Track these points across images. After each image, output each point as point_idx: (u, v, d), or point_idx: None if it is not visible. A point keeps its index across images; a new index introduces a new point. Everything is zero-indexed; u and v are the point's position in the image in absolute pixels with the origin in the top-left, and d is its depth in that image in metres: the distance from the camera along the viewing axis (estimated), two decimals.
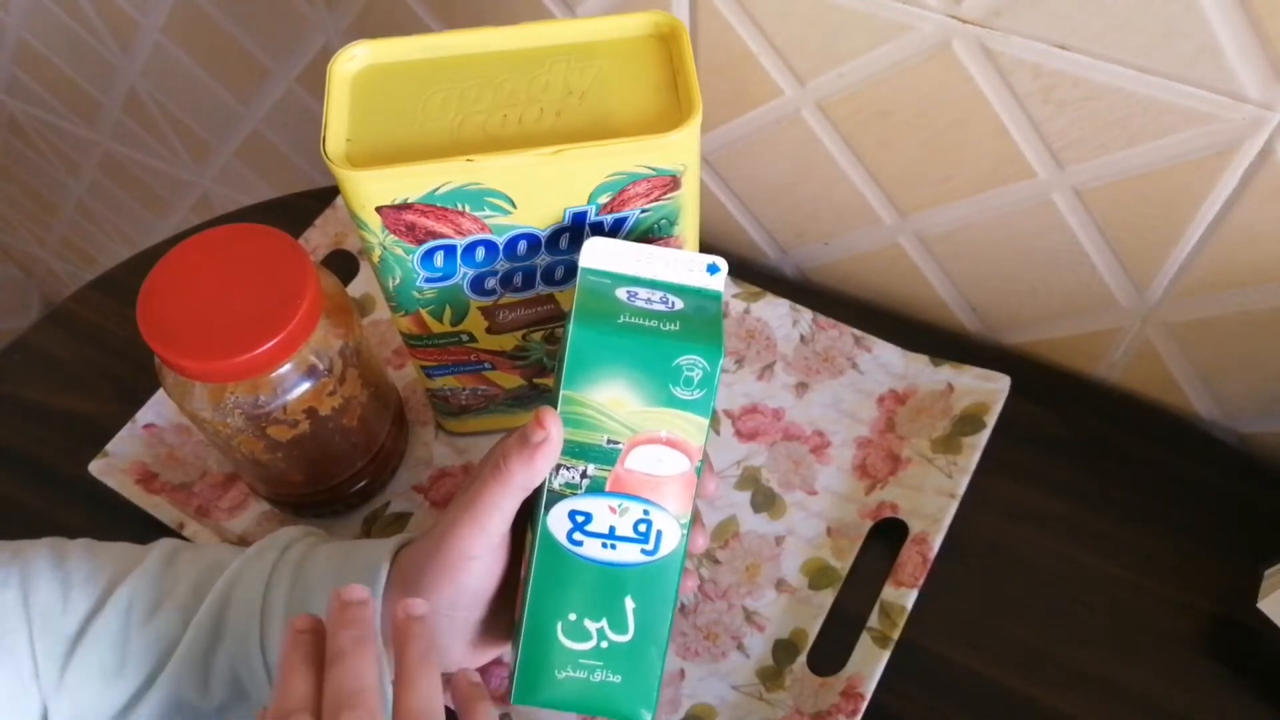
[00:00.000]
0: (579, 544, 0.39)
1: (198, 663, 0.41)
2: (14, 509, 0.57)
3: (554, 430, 0.37)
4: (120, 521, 0.54)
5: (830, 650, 0.49)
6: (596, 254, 0.40)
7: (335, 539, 0.45)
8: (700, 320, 0.39)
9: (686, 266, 0.41)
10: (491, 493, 0.38)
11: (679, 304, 0.39)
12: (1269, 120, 0.43)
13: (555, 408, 0.38)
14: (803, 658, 0.50)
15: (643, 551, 0.39)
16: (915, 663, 0.49)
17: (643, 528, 0.39)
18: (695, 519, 0.41)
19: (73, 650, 0.41)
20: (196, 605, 0.42)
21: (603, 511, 0.38)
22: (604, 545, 0.39)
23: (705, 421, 0.38)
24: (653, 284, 0.40)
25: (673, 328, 0.38)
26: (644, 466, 0.38)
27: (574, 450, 0.38)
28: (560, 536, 0.39)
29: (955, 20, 0.46)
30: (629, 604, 0.39)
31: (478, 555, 0.39)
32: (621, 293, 0.39)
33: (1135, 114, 0.45)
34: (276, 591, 0.41)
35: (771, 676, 0.49)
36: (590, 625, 0.39)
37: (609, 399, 0.38)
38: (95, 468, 0.55)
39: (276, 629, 0.41)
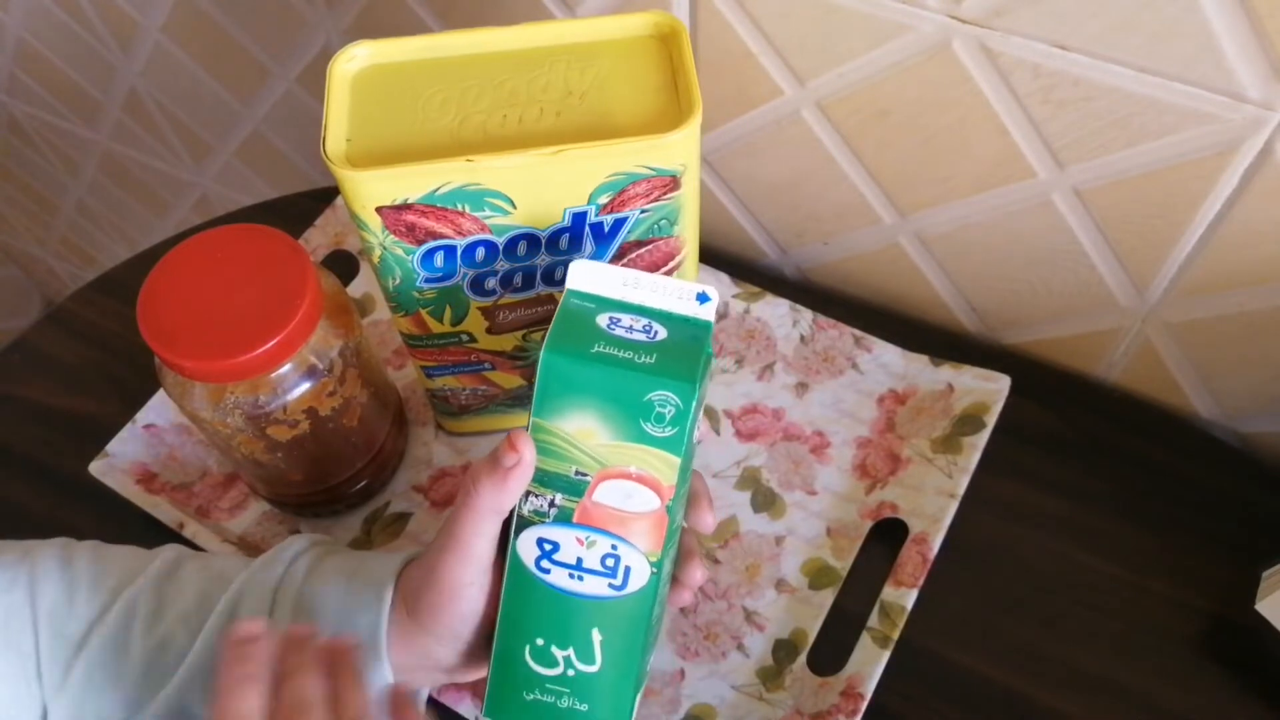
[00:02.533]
0: (547, 571, 0.38)
1: (205, 677, 0.41)
2: (14, 509, 0.57)
3: (526, 453, 0.37)
4: (121, 522, 0.54)
5: (830, 650, 0.49)
6: (583, 276, 0.39)
7: (342, 549, 0.45)
8: (681, 353, 0.37)
9: (676, 294, 0.38)
10: (467, 520, 0.38)
11: (661, 333, 0.37)
12: (1269, 120, 0.43)
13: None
14: (803, 658, 0.50)
15: (610, 586, 0.38)
16: (915, 663, 0.49)
17: (610, 562, 0.38)
18: (701, 499, 0.41)
19: (77, 653, 0.41)
20: (201, 617, 0.41)
21: (570, 542, 0.38)
22: (571, 575, 0.38)
23: (678, 460, 0.36)
24: (639, 310, 0.38)
25: (648, 360, 0.36)
26: (612, 501, 0.37)
27: (542, 479, 0.37)
28: (529, 562, 0.38)
29: (955, 20, 0.46)
30: (596, 636, 0.38)
31: (470, 582, 0.38)
32: (603, 319, 0.38)
33: (1135, 114, 0.45)
34: (282, 609, 0.41)
35: (771, 676, 0.49)
36: (557, 653, 0.38)
37: (578, 429, 0.37)
38: (95, 468, 0.55)
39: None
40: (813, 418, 0.57)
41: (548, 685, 0.39)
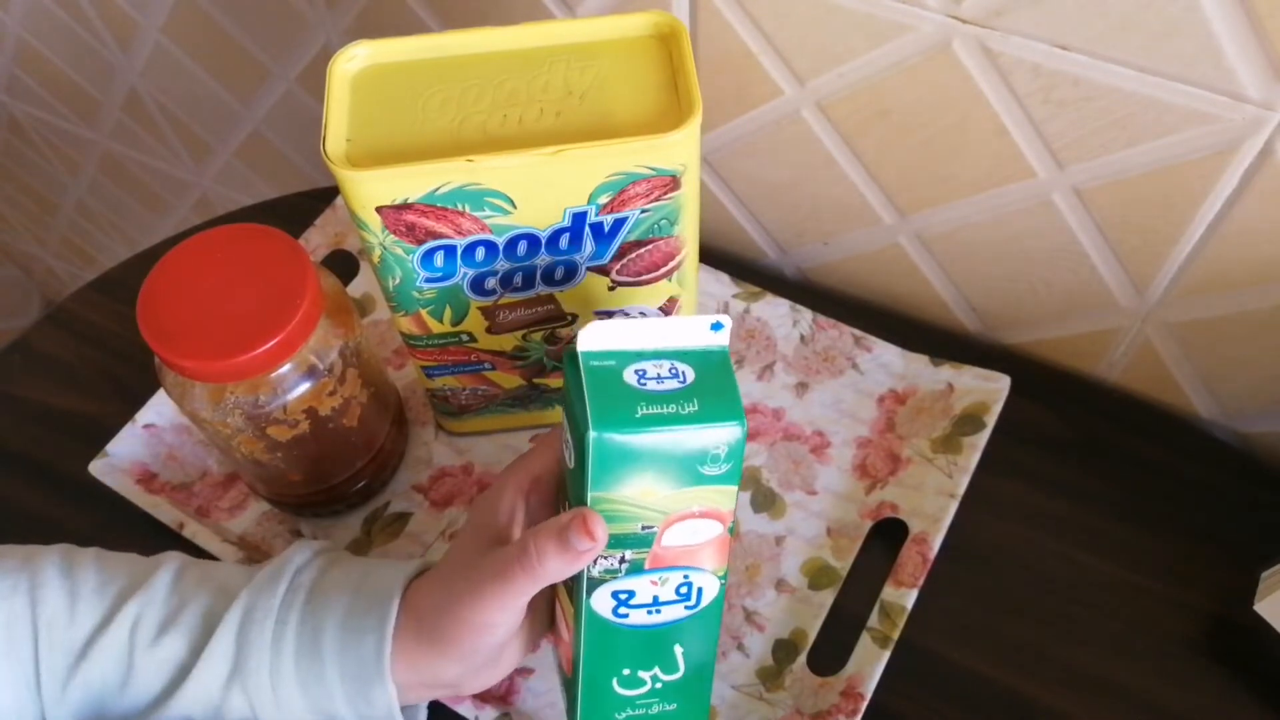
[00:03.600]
0: (624, 616, 0.39)
1: (212, 694, 0.40)
2: (14, 509, 0.57)
3: (600, 535, 0.36)
4: (120, 522, 0.54)
5: (830, 650, 0.49)
6: (594, 337, 0.37)
7: (345, 557, 0.44)
8: (717, 390, 0.36)
9: (689, 330, 0.38)
10: (520, 583, 0.37)
11: (689, 374, 0.37)
12: (1269, 120, 0.43)
13: (583, 501, 0.36)
14: (803, 658, 0.50)
15: (686, 608, 0.39)
16: (915, 663, 0.49)
17: (684, 589, 0.38)
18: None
19: (77, 664, 0.40)
20: (205, 633, 0.41)
21: (644, 586, 0.38)
22: (649, 612, 0.39)
23: (735, 489, 0.37)
24: (658, 355, 0.37)
25: (692, 409, 0.36)
26: (680, 541, 0.37)
27: (610, 542, 0.37)
28: (605, 614, 0.38)
29: (955, 20, 0.46)
30: (678, 649, 0.40)
31: (502, 623, 0.39)
32: (630, 375, 0.36)
33: (1135, 114, 0.45)
34: (287, 628, 0.41)
35: (771, 676, 0.49)
36: (644, 674, 0.40)
37: (639, 491, 0.36)
38: (95, 468, 0.55)
39: (287, 667, 0.40)
40: (813, 418, 0.57)
41: (637, 702, 0.40)
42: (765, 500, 0.54)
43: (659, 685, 0.40)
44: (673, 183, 0.42)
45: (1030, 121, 0.48)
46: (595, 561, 0.37)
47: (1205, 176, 0.46)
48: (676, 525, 0.37)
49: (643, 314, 0.41)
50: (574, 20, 0.44)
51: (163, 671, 0.41)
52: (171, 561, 0.44)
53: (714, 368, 0.37)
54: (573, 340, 0.37)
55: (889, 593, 0.50)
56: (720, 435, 0.36)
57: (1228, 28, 0.40)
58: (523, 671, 0.50)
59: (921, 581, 0.50)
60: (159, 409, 0.57)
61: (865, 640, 0.49)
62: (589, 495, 0.36)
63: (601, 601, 0.38)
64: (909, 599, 0.49)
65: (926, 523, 0.52)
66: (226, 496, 0.56)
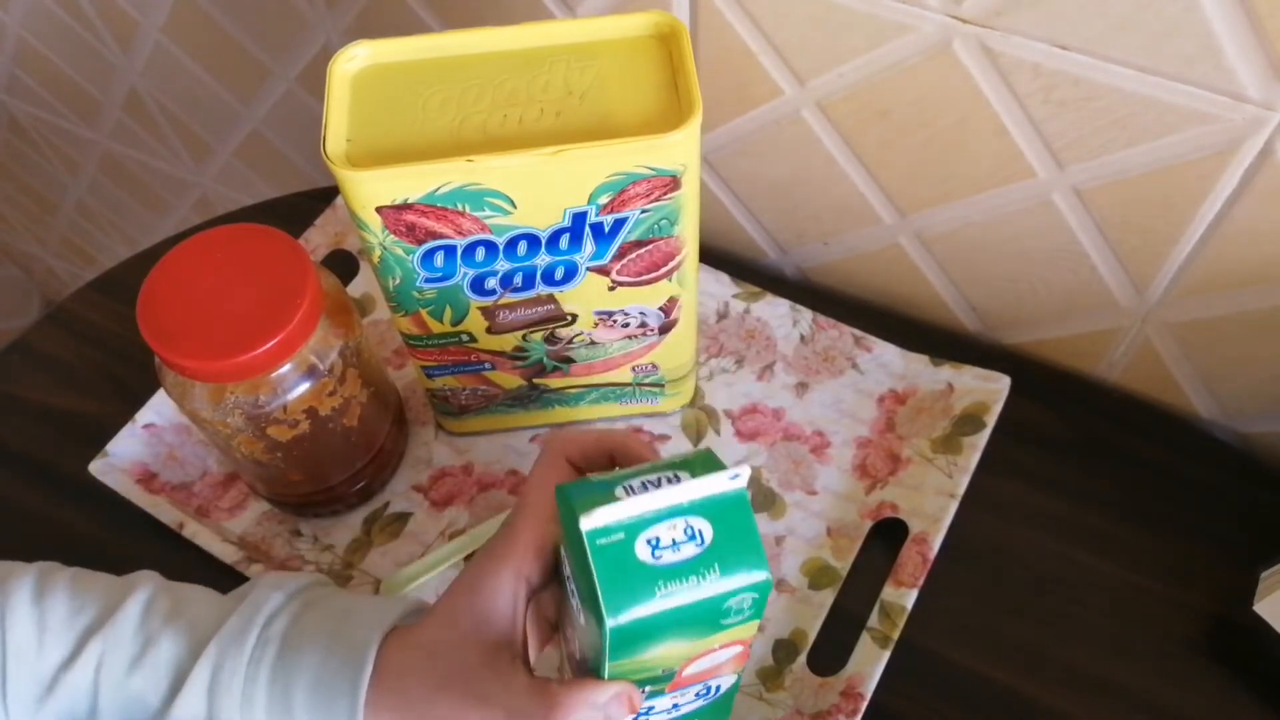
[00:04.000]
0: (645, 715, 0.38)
1: None
2: (14, 509, 0.57)
3: (639, 706, 0.35)
4: (120, 522, 0.54)
5: (830, 650, 0.49)
6: (599, 517, 0.33)
7: (319, 599, 0.41)
8: (737, 544, 0.33)
9: (710, 488, 0.34)
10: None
11: (707, 533, 0.33)
12: (1269, 120, 0.42)
13: (600, 668, 0.34)
14: (803, 658, 0.50)
15: (703, 699, 0.39)
16: (915, 663, 0.49)
17: (703, 692, 0.38)
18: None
19: (45, 696, 0.40)
20: (173, 684, 0.39)
21: (664, 702, 0.37)
22: (670, 715, 0.39)
23: (757, 623, 0.35)
24: (671, 513, 0.33)
25: (714, 575, 0.33)
26: (701, 668, 0.36)
27: (632, 680, 0.35)
28: None
29: (955, 20, 0.46)
30: None
31: None
32: (643, 549, 0.33)
33: (1135, 114, 0.45)
34: (256, 687, 0.38)
35: (771, 676, 0.49)
36: None
37: (660, 655, 0.34)
38: (95, 468, 0.55)
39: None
40: (813, 417, 0.57)
41: None
42: (765, 500, 0.54)
43: None
44: (673, 183, 0.42)
45: (1030, 121, 0.48)
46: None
47: (1205, 176, 0.46)
48: (698, 660, 0.36)
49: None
50: (574, 20, 0.44)
51: (128, 713, 0.40)
52: (141, 591, 0.41)
53: (732, 517, 0.34)
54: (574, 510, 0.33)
55: (889, 593, 0.50)
56: (746, 592, 0.33)
57: (1228, 28, 0.40)
58: None
59: (921, 581, 0.50)
60: (159, 409, 0.57)
61: (865, 640, 0.49)
62: (606, 668, 0.34)
63: None
64: (909, 599, 0.49)
65: (926, 523, 0.52)
66: (226, 496, 0.56)
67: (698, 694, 0.38)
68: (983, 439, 0.54)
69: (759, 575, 0.33)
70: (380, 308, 0.63)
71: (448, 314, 0.47)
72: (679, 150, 0.41)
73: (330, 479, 0.52)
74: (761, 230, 0.64)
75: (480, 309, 0.47)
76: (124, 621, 0.40)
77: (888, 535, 0.52)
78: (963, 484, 0.52)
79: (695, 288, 0.50)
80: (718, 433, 0.56)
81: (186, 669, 0.39)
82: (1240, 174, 0.45)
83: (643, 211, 0.43)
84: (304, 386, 0.46)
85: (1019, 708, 0.48)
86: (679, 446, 0.56)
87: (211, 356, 0.43)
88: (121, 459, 0.56)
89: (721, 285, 0.60)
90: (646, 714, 0.37)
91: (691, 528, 0.33)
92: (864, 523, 0.53)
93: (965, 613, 0.51)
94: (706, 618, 0.33)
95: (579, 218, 0.43)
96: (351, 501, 0.55)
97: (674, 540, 0.33)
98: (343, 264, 0.64)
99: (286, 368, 0.45)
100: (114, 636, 0.40)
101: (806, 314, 0.59)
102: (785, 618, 0.51)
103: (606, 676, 0.34)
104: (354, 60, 0.43)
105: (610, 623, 0.32)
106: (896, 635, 0.48)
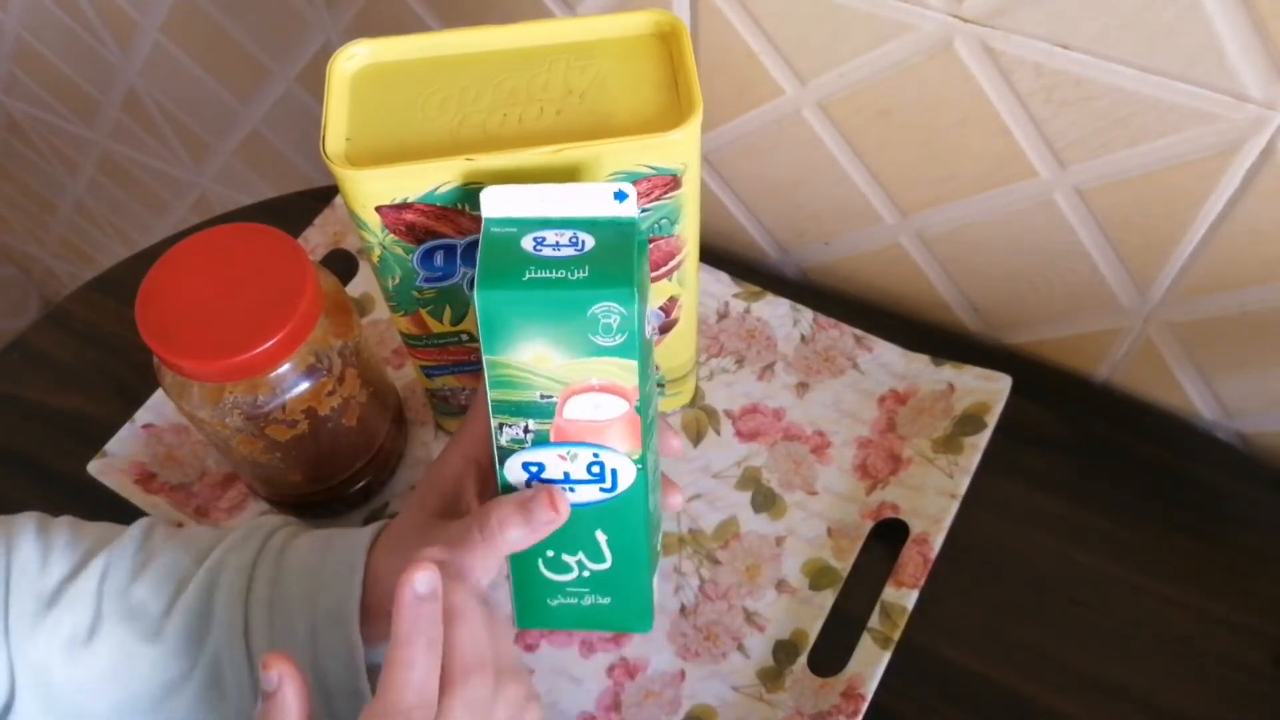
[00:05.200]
0: None
1: (186, 647, 0.41)
2: (13, 509, 0.56)
3: (564, 510, 0.38)
4: (119, 522, 0.54)
5: (831, 651, 0.49)
6: (498, 202, 0.38)
7: (311, 529, 0.46)
8: (613, 259, 0.37)
9: (595, 198, 0.38)
10: (479, 551, 0.38)
11: (589, 243, 0.37)
12: (1271, 120, 0.42)
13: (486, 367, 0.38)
14: (803, 658, 0.49)
15: (602, 490, 0.39)
16: (916, 663, 0.49)
17: (596, 469, 0.39)
18: (663, 479, 0.43)
19: (46, 610, 0.41)
20: (174, 586, 0.42)
21: (553, 460, 0.39)
22: (563, 489, 0.39)
23: (634, 363, 0.37)
24: (562, 224, 0.38)
25: (582, 275, 0.36)
26: (583, 414, 0.38)
27: (511, 409, 0.38)
28: (520, 486, 0.39)
29: (957, 19, 0.46)
30: (600, 536, 0.40)
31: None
32: (528, 241, 0.37)
33: (1137, 113, 0.45)
34: (260, 581, 0.42)
35: (772, 677, 0.49)
36: (568, 559, 0.40)
37: (531, 357, 0.37)
38: (94, 468, 0.55)
39: (260, 618, 0.41)
40: (813, 418, 0.57)
41: (568, 589, 0.41)
42: (766, 500, 0.54)
43: (587, 574, 0.40)
44: (673, 182, 0.42)
45: (1032, 121, 0.48)
46: (500, 430, 0.38)
47: (1207, 176, 0.46)
48: (576, 398, 0.37)
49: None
50: (574, 19, 0.44)
51: (131, 621, 0.41)
52: (141, 522, 0.45)
53: (617, 239, 0.37)
54: None
55: (890, 593, 0.50)
56: (609, 303, 0.36)
57: (1229, 27, 0.40)
58: None
59: (922, 582, 0.50)
60: (158, 409, 0.57)
61: (866, 641, 0.49)
62: (484, 358, 0.37)
63: (514, 472, 0.39)
64: (910, 599, 0.49)
65: (927, 523, 0.51)
66: (225, 496, 0.56)
67: (590, 470, 0.39)
68: (984, 439, 0.54)
69: (622, 288, 0.36)
70: (380, 308, 0.62)
71: (447, 314, 0.47)
72: (679, 149, 0.41)
73: (330, 479, 0.52)
74: (762, 230, 0.64)
75: None
76: (127, 541, 0.43)
77: (888, 536, 0.52)
78: (964, 484, 0.52)
79: (695, 287, 0.50)
80: (718, 433, 0.56)
81: (189, 575, 0.42)
82: (1242, 174, 0.45)
83: (643, 211, 0.43)
84: (303, 386, 0.46)
85: (1019, 708, 0.48)
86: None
87: (210, 356, 0.43)
88: (120, 459, 0.56)
89: (722, 285, 0.60)
90: (537, 474, 0.39)
91: (578, 237, 0.37)
92: (865, 523, 0.53)
93: (966, 613, 0.51)
94: (574, 322, 0.36)
95: None
96: (351, 501, 0.55)
97: (557, 242, 0.37)
98: (342, 264, 0.64)
99: (285, 367, 0.45)
100: (118, 551, 0.43)
101: (807, 314, 0.59)
102: (786, 618, 0.51)
103: (485, 376, 0.37)
104: (353, 59, 0.43)
105: (479, 294, 0.36)
106: (897, 636, 0.48)
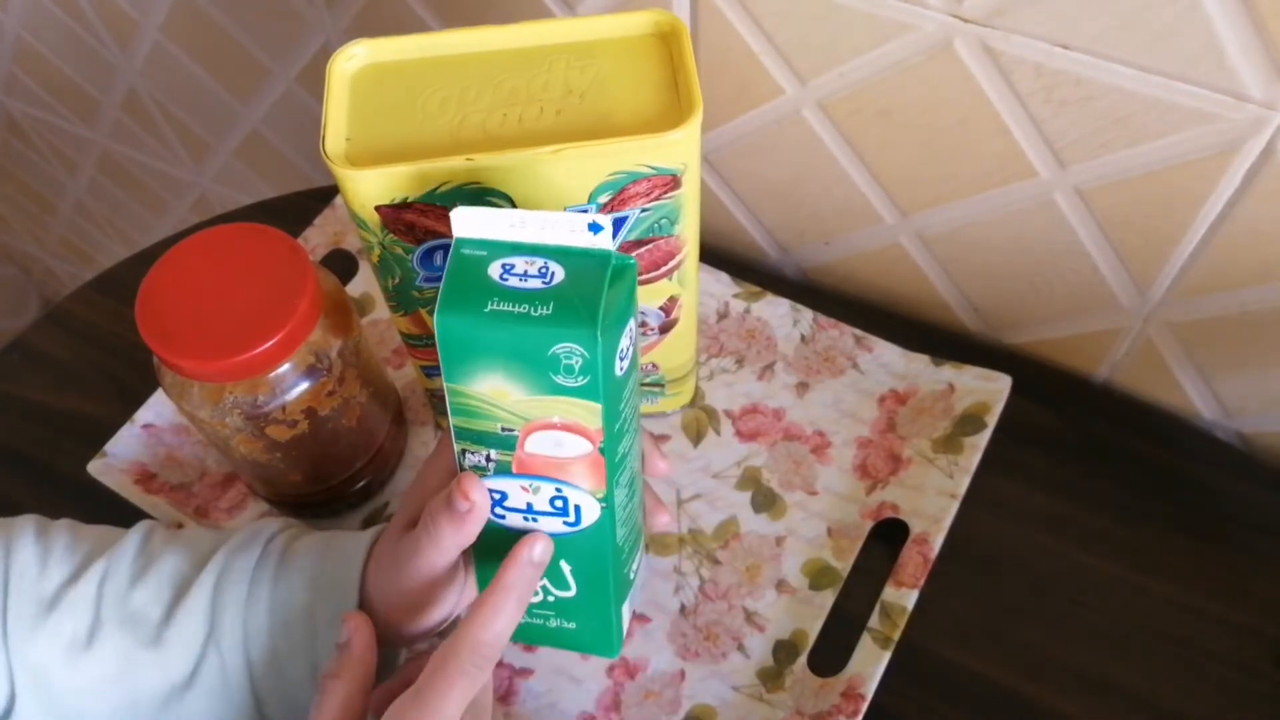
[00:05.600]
0: (502, 517, 0.39)
1: (187, 652, 0.41)
2: (13, 509, 0.56)
3: (479, 498, 0.37)
4: (119, 522, 0.53)
5: (831, 651, 0.49)
6: (470, 222, 0.36)
7: (310, 531, 0.46)
8: (580, 296, 0.35)
9: (568, 227, 0.36)
10: (427, 553, 0.39)
11: (559, 274, 0.35)
12: (1271, 120, 0.42)
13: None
14: (803, 658, 0.49)
15: (565, 524, 0.39)
16: (916, 663, 0.49)
17: (559, 503, 0.38)
18: (653, 502, 0.43)
19: (46, 614, 0.41)
20: (174, 591, 0.42)
21: (515, 490, 0.38)
22: (525, 519, 0.39)
23: (599, 406, 0.35)
24: (533, 250, 0.36)
25: (545, 312, 0.34)
26: (544, 450, 0.37)
27: (473, 437, 0.37)
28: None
29: (957, 19, 0.46)
30: (565, 566, 0.39)
31: (440, 594, 0.41)
32: (495, 269, 0.35)
33: (1137, 113, 0.45)
34: (260, 587, 0.42)
35: (772, 677, 0.49)
36: None
37: (491, 390, 0.36)
38: (94, 468, 0.55)
39: (259, 623, 0.41)
40: (813, 418, 0.57)
41: (535, 610, 0.41)
42: (765, 500, 0.54)
43: (552, 599, 0.40)
44: (673, 182, 0.42)
45: (1032, 121, 0.48)
46: (464, 455, 0.38)
47: (1207, 176, 0.46)
48: (537, 434, 0.36)
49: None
50: (574, 19, 0.44)
51: (132, 626, 0.41)
52: (141, 526, 0.45)
53: (588, 274, 0.35)
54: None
55: (890, 593, 0.50)
56: (571, 345, 0.34)
57: (1230, 27, 0.40)
58: (522, 672, 0.50)
59: (922, 582, 0.50)
60: (158, 409, 0.57)
61: (866, 641, 0.49)
62: (445, 386, 0.36)
63: None
64: (910, 599, 0.49)
65: (927, 523, 0.51)
66: (225, 496, 0.56)
67: (553, 504, 0.38)
68: (984, 439, 0.54)
69: (584, 330, 0.34)
70: (380, 307, 0.62)
71: None
72: (679, 149, 0.41)
73: (330, 479, 0.52)
74: (762, 230, 0.64)
75: None
76: (127, 545, 0.44)
77: (888, 536, 0.52)
78: (964, 484, 0.52)
79: (695, 287, 0.50)
80: (718, 433, 0.56)
81: (190, 580, 0.42)
82: (1242, 174, 0.45)
83: (643, 211, 0.43)
84: (303, 386, 0.46)
85: (1019, 708, 0.48)
86: (679, 446, 0.56)
87: (210, 356, 0.43)
88: (120, 459, 0.56)
89: (722, 285, 0.60)
90: (500, 501, 0.38)
91: (548, 268, 0.35)
92: (865, 523, 0.53)
93: (966, 613, 0.51)
94: (535, 361, 0.35)
95: None
96: (352, 501, 0.55)
97: (525, 271, 0.35)
98: (342, 264, 0.64)
99: (285, 367, 0.45)
100: (117, 556, 0.43)
101: (807, 314, 0.59)
102: (786, 618, 0.51)
103: (448, 403, 0.37)
104: (353, 59, 0.43)
105: (440, 320, 0.35)
106: (897, 636, 0.48)
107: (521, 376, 0.35)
